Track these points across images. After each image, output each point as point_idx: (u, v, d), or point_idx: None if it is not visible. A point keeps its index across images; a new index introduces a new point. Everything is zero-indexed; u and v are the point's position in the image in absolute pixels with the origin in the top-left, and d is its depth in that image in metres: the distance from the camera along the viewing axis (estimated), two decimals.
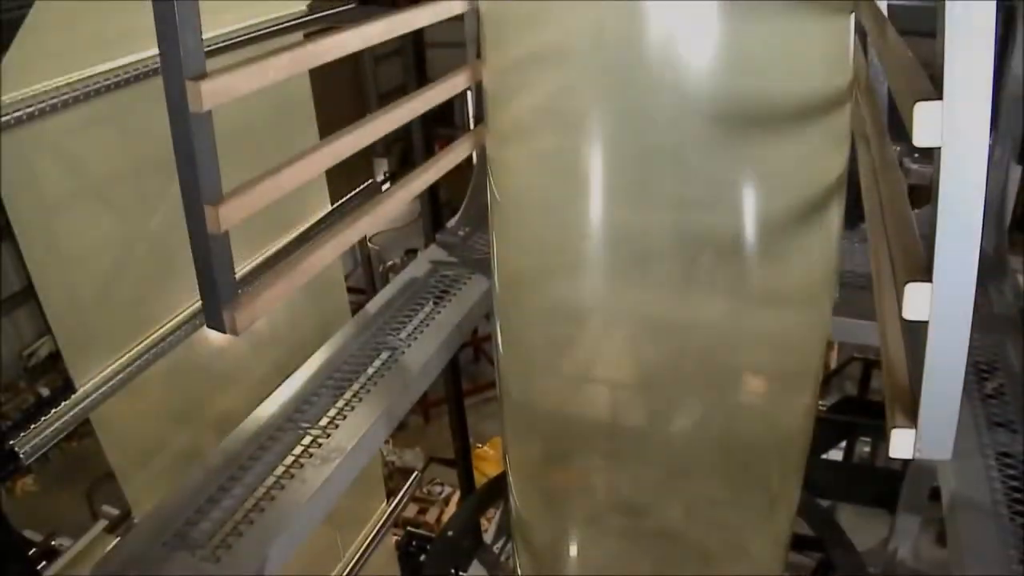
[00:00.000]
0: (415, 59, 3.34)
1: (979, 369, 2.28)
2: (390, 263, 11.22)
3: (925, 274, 0.89)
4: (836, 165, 1.62)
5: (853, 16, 1.56)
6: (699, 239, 1.63)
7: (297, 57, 1.22)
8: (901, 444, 0.98)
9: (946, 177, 0.82)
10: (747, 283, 1.65)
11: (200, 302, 1.31)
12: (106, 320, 2.75)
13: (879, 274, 1.18)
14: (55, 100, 2.31)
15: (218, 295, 1.23)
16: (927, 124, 0.82)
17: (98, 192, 2.73)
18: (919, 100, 0.81)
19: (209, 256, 1.20)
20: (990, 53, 0.80)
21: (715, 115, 1.52)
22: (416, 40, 4.04)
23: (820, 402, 5.08)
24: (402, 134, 2.61)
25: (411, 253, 11.28)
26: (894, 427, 0.97)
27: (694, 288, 1.67)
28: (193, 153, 1.14)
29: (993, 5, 0.78)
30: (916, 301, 0.88)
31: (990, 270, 3.02)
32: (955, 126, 0.81)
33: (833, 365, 7.75)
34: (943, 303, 0.87)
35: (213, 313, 1.25)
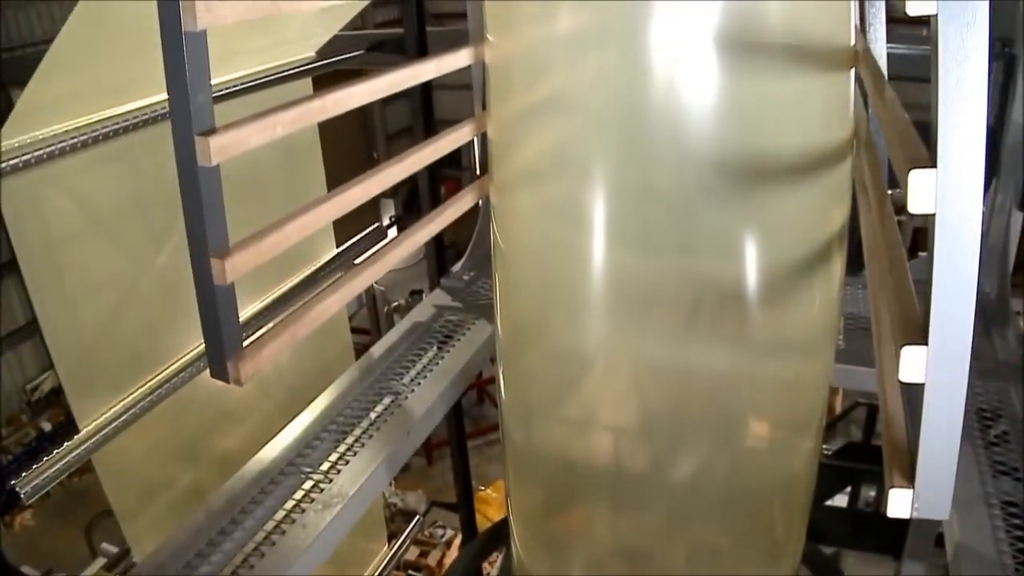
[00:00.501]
0: (422, 101, 3.38)
1: (982, 415, 2.28)
2: (395, 303, 11.25)
3: (921, 337, 0.89)
4: (838, 216, 1.64)
5: (853, 71, 1.59)
6: (702, 286, 1.65)
7: (305, 111, 1.25)
8: (899, 503, 0.99)
9: (940, 244, 0.84)
10: (749, 330, 1.65)
11: (204, 345, 1.32)
12: (109, 357, 2.76)
13: (879, 331, 1.19)
14: (64, 144, 2.34)
15: (223, 347, 1.24)
16: (921, 191, 0.83)
17: (105, 229, 2.76)
18: (913, 167, 0.83)
19: (215, 307, 1.21)
20: (983, 123, 0.81)
21: (718, 165, 1.54)
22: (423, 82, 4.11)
23: (824, 447, 5.06)
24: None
25: (416, 294, 11.32)
26: (892, 487, 0.98)
27: (697, 335, 1.68)
28: (201, 206, 1.16)
29: (984, 78, 0.79)
30: (912, 364, 0.89)
31: (993, 315, 3.03)
32: (949, 194, 0.83)
33: (837, 410, 7.73)
34: (939, 367, 0.88)
35: (217, 364, 1.26)
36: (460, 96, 2.76)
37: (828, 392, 1.87)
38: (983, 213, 3.28)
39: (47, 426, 10.80)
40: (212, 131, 1.14)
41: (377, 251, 1.56)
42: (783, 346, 1.70)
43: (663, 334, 1.70)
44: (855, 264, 1.94)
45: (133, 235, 2.87)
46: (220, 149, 1.13)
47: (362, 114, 13.30)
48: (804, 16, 1.53)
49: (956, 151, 0.82)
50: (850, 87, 1.59)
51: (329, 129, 3.51)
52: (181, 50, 1.11)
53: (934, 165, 0.83)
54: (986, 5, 0.80)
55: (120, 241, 2.83)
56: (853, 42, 1.58)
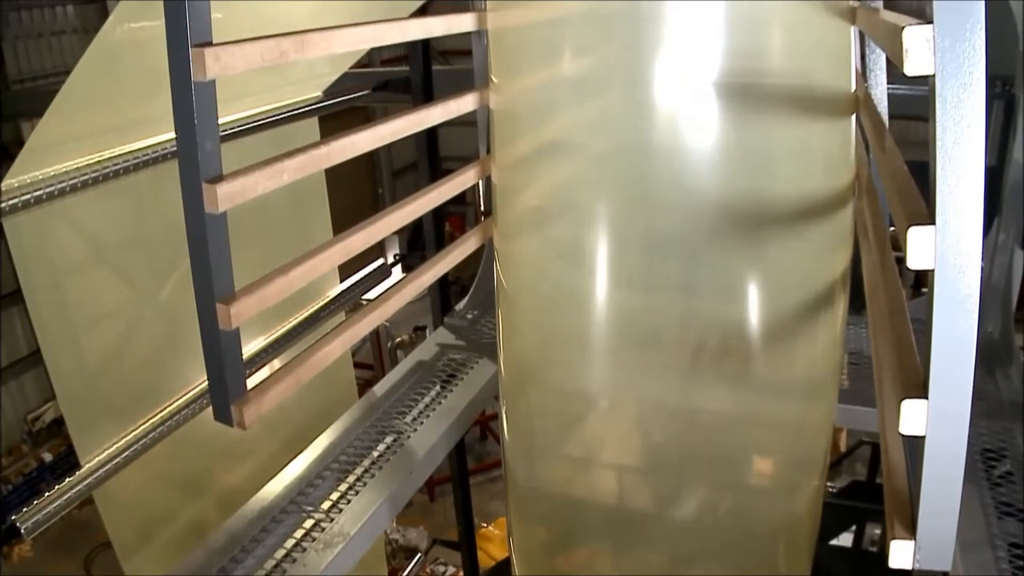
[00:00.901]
0: (428, 139, 3.41)
1: (987, 455, 2.27)
2: (398, 339, 11.25)
3: (921, 390, 0.90)
4: (840, 259, 1.65)
5: (855, 116, 1.61)
6: (705, 328, 1.66)
7: (311, 158, 1.26)
8: (900, 555, 0.99)
9: (940, 299, 0.84)
10: (753, 372, 1.66)
11: (207, 382, 1.33)
12: (112, 391, 2.76)
13: (880, 379, 1.19)
14: (75, 180, 2.37)
15: (227, 390, 1.24)
16: (921, 248, 0.84)
17: (109, 262, 2.77)
18: (913, 224, 0.84)
19: (220, 352, 1.22)
20: (981, 181, 0.82)
21: (721, 209, 1.56)
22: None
23: (829, 485, 5.03)
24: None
25: (420, 330, 11.32)
26: (893, 538, 0.98)
27: (700, 375, 1.69)
28: (207, 252, 1.17)
29: (982, 138, 0.81)
30: (912, 418, 0.90)
31: (997, 355, 3.02)
32: (948, 251, 0.84)
33: (842, 448, 7.69)
34: (939, 421, 0.88)
35: (222, 407, 1.27)
36: (466, 132, 2.78)
37: (832, 432, 1.87)
38: (984, 254, 3.30)
39: (48, 456, 10.78)
40: (220, 178, 1.15)
41: (382, 294, 1.56)
42: (787, 387, 1.71)
43: (666, 375, 1.71)
44: (860, 302, 1.95)
45: (137, 269, 2.89)
46: (227, 196, 1.15)
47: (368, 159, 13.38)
48: (806, 63, 1.55)
49: (955, 208, 0.83)
50: (851, 133, 1.60)
51: (334, 165, 3.54)
52: (191, 99, 1.13)
53: (933, 222, 0.84)
54: (983, 66, 0.82)
55: (124, 274, 2.85)
56: (854, 88, 1.60)
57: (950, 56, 0.81)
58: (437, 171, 3.41)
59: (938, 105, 0.81)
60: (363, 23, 1.33)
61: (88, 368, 2.73)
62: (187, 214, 1.19)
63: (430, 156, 3.42)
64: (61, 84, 2.15)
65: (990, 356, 2.99)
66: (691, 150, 1.55)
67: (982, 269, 3.17)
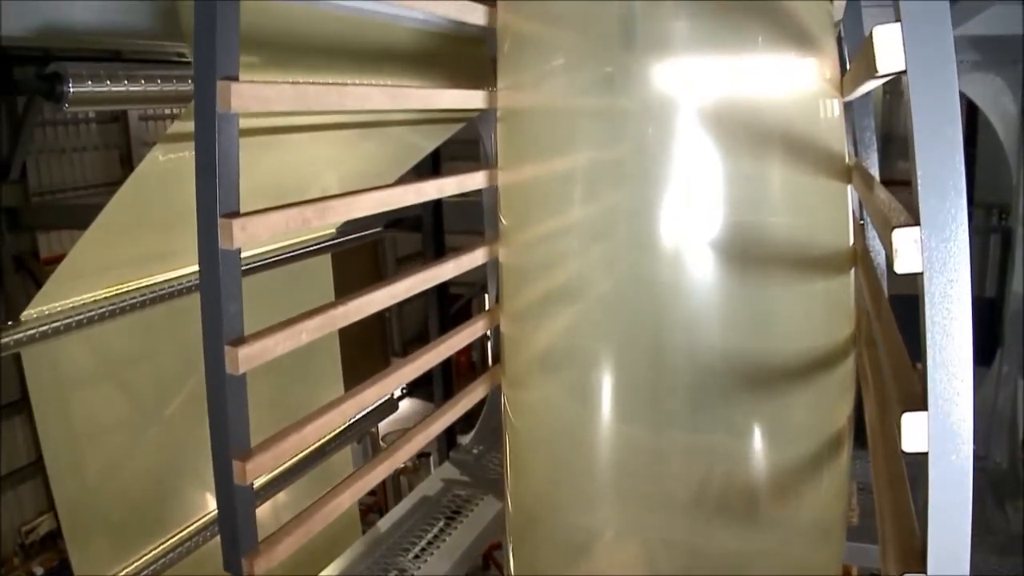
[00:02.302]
0: (435, 238, 3.46)
1: None
2: (402, 465, 11.06)
3: (920, 564, 0.91)
4: (843, 407, 1.68)
5: (853, 271, 1.66)
6: (711, 471, 1.68)
7: (329, 318, 1.31)
8: None
9: (934, 481, 0.87)
10: (759, 513, 1.67)
11: (214, 512, 1.34)
12: (112, 507, 2.74)
13: (883, 545, 1.21)
14: (93, 313, 2.43)
15: (239, 543, 1.26)
16: (914, 433, 0.88)
17: (118, 382, 2.80)
18: (906, 410, 0.88)
19: (233, 506, 1.24)
20: (970, 371, 0.86)
21: (726, 358, 1.60)
22: (436, 220, 4.21)
23: None
24: (418, 334, 2.69)
25: (424, 456, 11.19)
26: None
27: (707, 516, 1.70)
28: (226, 411, 1.21)
29: (969, 332, 0.85)
30: None
31: (1005, 487, 3.00)
32: (939, 435, 0.87)
33: None
34: None
35: (232, 559, 1.28)
36: (470, 205, 2.85)
37: (841, 572, 1.86)
38: (989, 384, 3.32)
39: (39, 571, 10.52)
40: (241, 340, 1.20)
41: (390, 447, 1.59)
42: (793, 529, 1.71)
43: (673, 514, 1.72)
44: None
45: (146, 391, 2.91)
46: (247, 358, 1.19)
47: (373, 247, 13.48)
48: (806, 219, 1.62)
49: (946, 398, 0.87)
50: (850, 288, 1.65)
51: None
52: (217, 266, 1.19)
53: (925, 408, 0.87)
54: (967, 262, 0.87)
55: (131, 390, 2.88)
56: (852, 242, 1.66)
57: (936, 255, 0.86)
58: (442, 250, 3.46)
59: (927, 301, 0.86)
60: (381, 188, 1.40)
61: (90, 481, 2.72)
62: (208, 372, 1.23)
63: (436, 251, 3.44)
64: (81, 199, 2.23)
65: (999, 487, 2.97)
66: (695, 303, 1.60)
67: (987, 401, 3.17)
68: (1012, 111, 3.13)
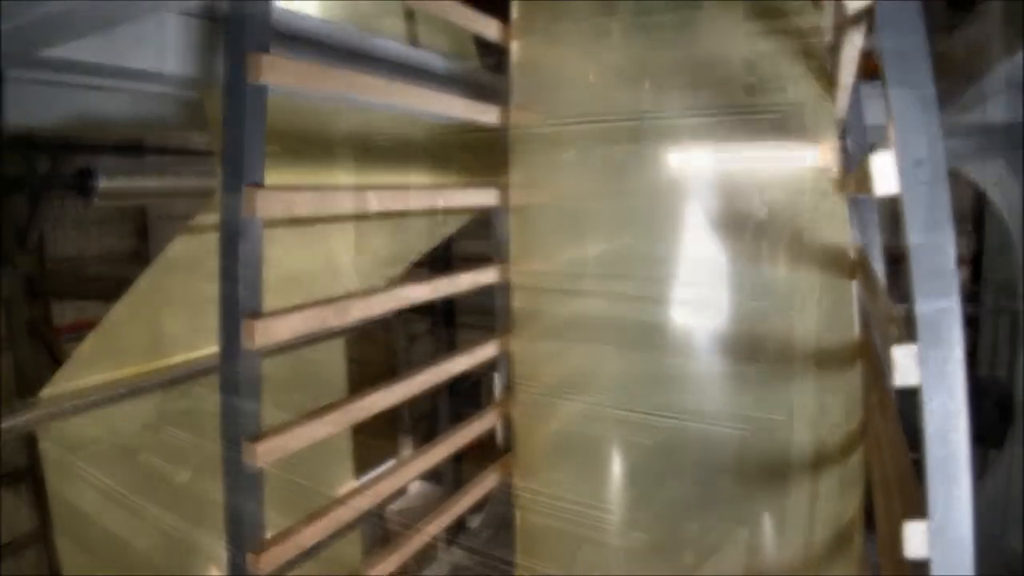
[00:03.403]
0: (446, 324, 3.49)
1: None
2: None
3: None
4: (852, 498, 1.69)
5: (860, 369, 1.68)
6: (723, 563, 1.69)
7: (344, 413, 1.35)
8: None
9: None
10: None
11: None
12: None
13: None
14: (111, 394, 2.45)
15: None
16: (916, 541, 0.90)
17: (132, 455, 2.80)
18: (907, 520, 0.90)
19: None
20: (969, 483, 0.88)
21: (738, 459, 1.64)
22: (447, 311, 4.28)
23: None
24: (428, 411, 2.69)
25: None
26: None
27: None
28: (242, 506, 1.24)
29: (967, 442, 0.87)
30: None
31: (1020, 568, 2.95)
32: (940, 544, 0.89)
33: None
34: None
35: None
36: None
37: None
38: (1002, 465, 3.30)
39: None
40: (259, 436, 1.23)
41: (406, 532, 1.61)
42: None
43: None
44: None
45: (159, 469, 2.91)
46: (266, 453, 1.22)
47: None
48: (811, 317, 1.65)
49: (946, 506, 0.89)
50: (857, 384, 1.67)
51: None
52: (238, 366, 1.23)
53: (924, 516, 0.89)
54: (963, 374, 0.90)
55: (145, 473, 2.87)
56: (857, 331, 1.69)
57: (933, 368, 0.89)
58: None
59: (926, 414, 0.88)
60: (398, 287, 1.45)
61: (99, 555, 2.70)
62: (225, 470, 1.26)
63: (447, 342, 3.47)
64: (94, 270, 2.25)
65: (1013, 567, 2.93)
66: (704, 395, 1.64)
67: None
68: (1017, 195, 3.17)
